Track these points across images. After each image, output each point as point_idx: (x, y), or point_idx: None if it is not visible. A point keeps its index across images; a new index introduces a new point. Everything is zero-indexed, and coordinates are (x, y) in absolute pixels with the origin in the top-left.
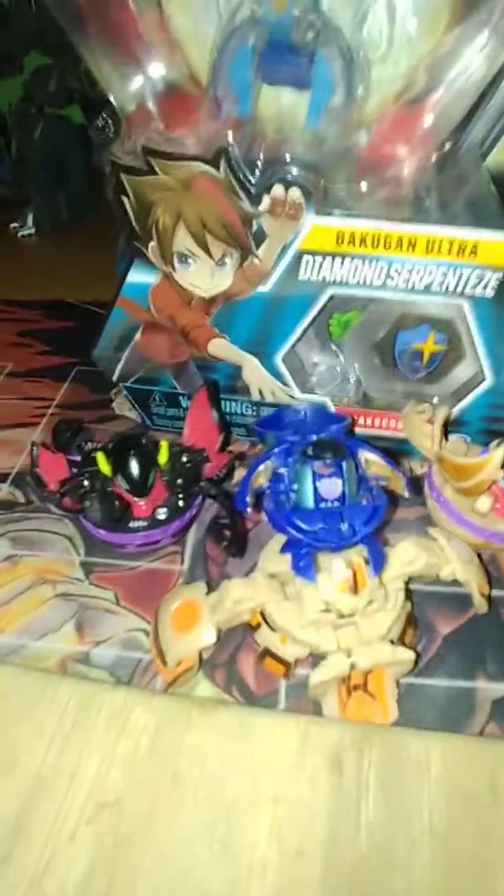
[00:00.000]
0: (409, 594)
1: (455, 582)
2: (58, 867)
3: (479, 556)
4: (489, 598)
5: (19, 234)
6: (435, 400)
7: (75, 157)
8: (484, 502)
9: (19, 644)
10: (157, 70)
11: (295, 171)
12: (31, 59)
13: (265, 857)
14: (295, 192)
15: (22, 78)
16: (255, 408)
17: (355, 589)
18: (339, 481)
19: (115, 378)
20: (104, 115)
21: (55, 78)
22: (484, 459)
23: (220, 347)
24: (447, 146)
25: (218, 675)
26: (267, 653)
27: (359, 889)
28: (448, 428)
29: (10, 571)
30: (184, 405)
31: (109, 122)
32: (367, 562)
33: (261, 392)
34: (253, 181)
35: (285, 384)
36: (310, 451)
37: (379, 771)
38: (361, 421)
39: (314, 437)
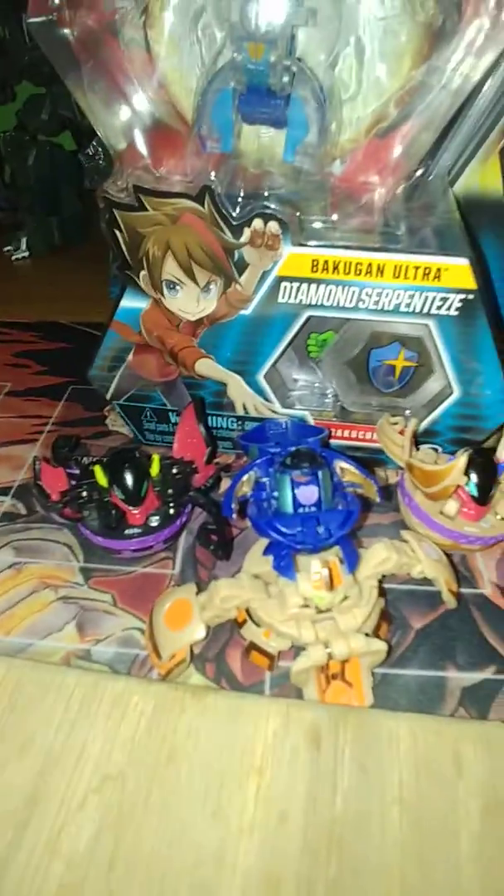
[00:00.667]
0: (383, 591)
1: (426, 580)
2: (70, 831)
3: (449, 556)
4: (458, 595)
5: (13, 258)
6: (407, 412)
7: (67, 182)
8: (451, 506)
9: (26, 643)
10: (145, 108)
11: (273, 204)
12: (24, 89)
13: (252, 820)
14: (273, 225)
15: (15, 106)
16: (239, 422)
17: (331, 586)
18: (316, 488)
19: (108, 396)
20: (94, 143)
21: (48, 107)
22: (449, 466)
23: (207, 367)
24: (416, 175)
25: (208, 667)
26: (252, 646)
27: (336, 847)
28: (421, 438)
29: (14, 578)
30: (173, 421)
31: (99, 149)
32: (341, 561)
33: (245, 407)
34: (234, 215)
35: (267, 400)
36: (288, 462)
37: (353, 746)
38: (339, 433)
39: (293, 449)
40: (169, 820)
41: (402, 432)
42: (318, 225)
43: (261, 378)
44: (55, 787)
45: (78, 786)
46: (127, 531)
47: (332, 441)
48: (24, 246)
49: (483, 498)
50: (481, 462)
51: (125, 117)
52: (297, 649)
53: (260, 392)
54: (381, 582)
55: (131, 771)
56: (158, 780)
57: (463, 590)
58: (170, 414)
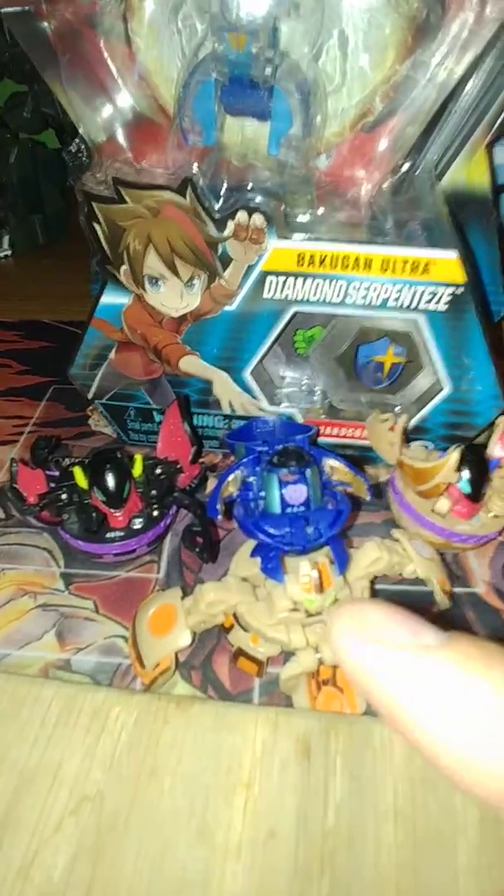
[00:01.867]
0: (374, 592)
1: (419, 580)
2: (44, 857)
3: (441, 555)
4: (451, 595)
5: None
6: (397, 409)
7: (50, 181)
8: (443, 504)
9: (2, 654)
10: (125, 101)
11: (257, 197)
12: (6, 86)
13: (240, 838)
14: (257, 218)
15: None
16: (226, 421)
17: (321, 588)
18: (304, 487)
19: (90, 395)
20: (77, 141)
21: (30, 104)
22: (440, 463)
23: (192, 364)
24: (403, 169)
25: (194, 675)
26: (240, 652)
27: (329, 864)
28: (411, 435)
29: None
30: (158, 420)
31: (83, 146)
32: (331, 562)
33: (231, 405)
34: (217, 208)
35: (254, 397)
36: (275, 460)
37: (345, 756)
38: (328, 431)
39: (280, 447)
40: (151, 841)
41: (392, 429)
42: (303, 218)
43: (247, 375)
44: (29, 810)
45: (53, 807)
46: (108, 534)
47: (322, 439)
48: (6, 244)
49: (475, 495)
50: (473, 459)
51: (105, 110)
52: (286, 655)
53: (246, 389)
54: (372, 583)
55: (111, 789)
56: (140, 798)
57: (455, 589)
58: (154, 413)
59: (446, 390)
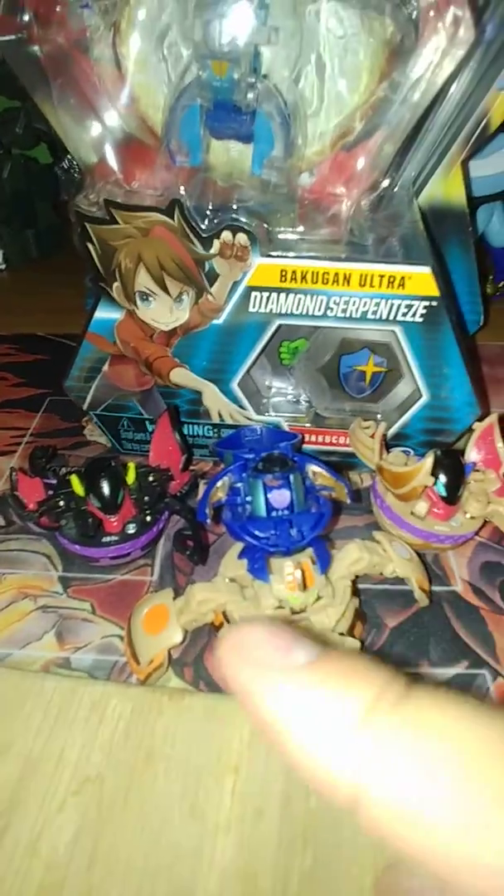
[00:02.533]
0: (356, 591)
1: (399, 580)
2: (49, 833)
3: (421, 555)
4: (430, 593)
5: None
6: (379, 416)
7: (43, 195)
8: (421, 507)
9: (4, 653)
10: (115, 123)
11: (242, 217)
12: None
13: (229, 817)
14: (242, 237)
15: None
16: (215, 430)
17: (304, 586)
18: (288, 492)
19: (85, 406)
20: (69, 157)
21: (22, 120)
22: (416, 467)
23: (181, 376)
24: (383, 186)
25: (187, 671)
26: None
27: (311, 840)
28: (394, 442)
29: None
30: (150, 429)
31: (74, 162)
32: (314, 562)
33: (220, 415)
34: (204, 227)
35: (242, 407)
36: (260, 466)
37: None
38: (313, 438)
39: (265, 454)
40: (147, 819)
41: (372, 436)
42: (286, 236)
43: (235, 386)
44: (35, 791)
45: (57, 789)
46: (104, 539)
47: (307, 446)
48: (0, 259)
49: (451, 497)
50: (448, 463)
51: (96, 132)
52: None
53: (234, 400)
54: (354, 582)
55: (110, 773)
56: (136, 781)
57: (435, 587)
58: (147, 423)
59: (425, 398)
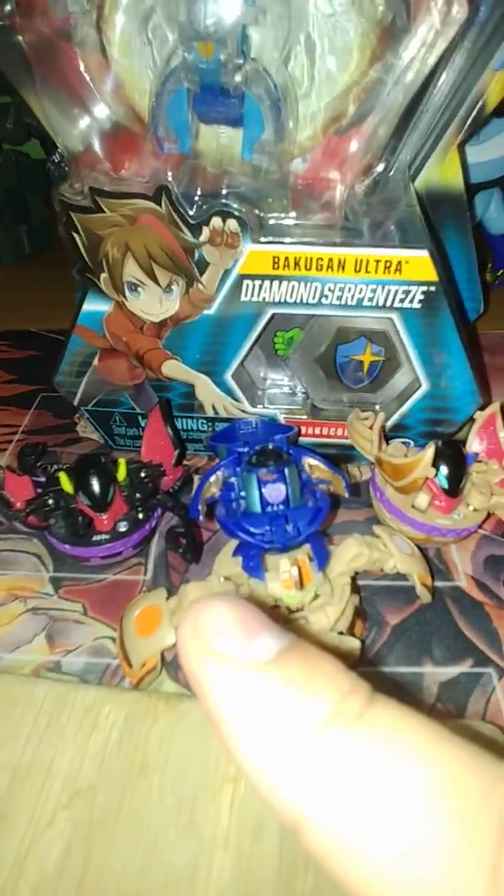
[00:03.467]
0: (356, 588)
1: (402, 576)
2: (38, 850)
3: (425, 549)
4: (433, 589)
5: None
6: (377, 407)
7: (35, 191)
8: (422, 499)
9: None
10: (102, 112)
11: (231, 203)
12: None
13: (227, 833)
14: (232, 223)
15: None
16: (210, 423)
17: (301, 584)
18: (283, 486)
19: (76, 402)
20: (60, 151)
21: (12, 115)
22: (416, 458)
23: (173, 368)
24: (378, 170)
25: (181, 674)
26: None
27: (314, 860)
28: (394, 433)
29: None
30: (143, 425)
31: (65, 156)
32: (311, 559)
33: (214, 408)
34: (192, 214)
35: (236, 400)
36: (254, 460)
37: None
38: (311, 431)
39: (258, 447)
40: (140, 835)
41: (372, 427)
42: (279, 222)
43: (228, 378)
44: (23, 805)
45: (46, 803)
46: (95, 538)
47: (304, 439)
48: None
49: (453, 489)
50: (450, 454)
51: (82, 121)
52: None
53: (228, 392)
54: (354, 579)
55: (102, 785)
56: (130, 794)
57: (438, 583)
58: (139, 417)
59: (424, 387)
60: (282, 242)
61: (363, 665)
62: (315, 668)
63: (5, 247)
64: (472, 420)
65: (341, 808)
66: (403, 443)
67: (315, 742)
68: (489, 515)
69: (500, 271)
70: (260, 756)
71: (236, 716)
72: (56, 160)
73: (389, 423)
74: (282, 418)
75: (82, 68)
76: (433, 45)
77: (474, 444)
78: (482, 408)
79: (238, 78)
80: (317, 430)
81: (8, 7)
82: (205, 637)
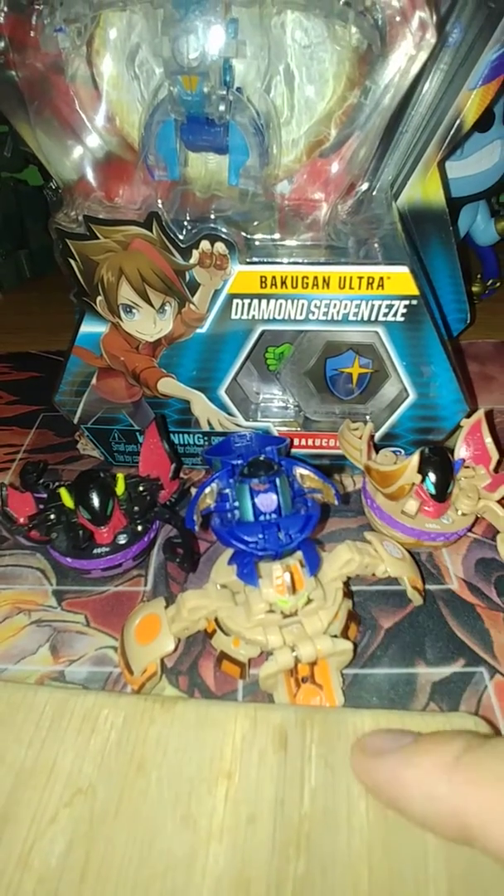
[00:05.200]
0: (349, 593)
1: (394, 580)
2: (42, 845)
3: (416, 554)
4: (425, 592)
5: None
6: (368, 417)
7: (34, 216)
8: (411, 505)
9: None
10: (94, 142)
11: (219, 226)
12: None
13: (222, 824)
14: (220, 246)
15: None
16: (206, 438)
17: (293, 589)
18: (274, 495)
19: (76, 420)
20: (54, 181)
21: (10, 144)
22: (402, 465)
23: (169, 386)
24: (362, 190)
25: (181, 680)
26: (223, 656)
27: (305, 846)
28: (385, 442)
29: None
30: (141, 441)
31: (60, 185)
32: (302, 565)
33: (210, 423)
34: (182, 238)
35: (231, 414)
36: (246, 471)
37: (320, 744)
38: (303, 442)
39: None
40: (139, 828)
41: (360, 437)
42: (265, 243)
43: (222, 393)
44: (26, 804)
45: (49, 801)
46: (95, 550)
47: (298, 450)
48: None
49: (441, 495)
50: (436, 460)
51: (75, 151)
52: (267, 656)
53: (223, 407)
54: (346, 584)
55: (102, 783)
56: (128, 791)
57: (430, 586)
58: (137, 434)
59: (412, 397)
60: (268, 262)
61: (358, 667)
62: (441, 734)
63: (6, 272)
64: (459, 427)
65: (493, 812)
66: (394, 451)
67: (461, 766)
68: (480, 520)
69: (490, 281)
70: (415, 791)
71: (392, 775)
72: (53, 186)
73: (380, 433)
74: (275, 431)
75: (75, 101)
76: (408, 70)
77: (462, 451)
78: (469, 415)
79: (222, 108)
80: (310, 442)
81: (2, 44)
82: (370, 746)
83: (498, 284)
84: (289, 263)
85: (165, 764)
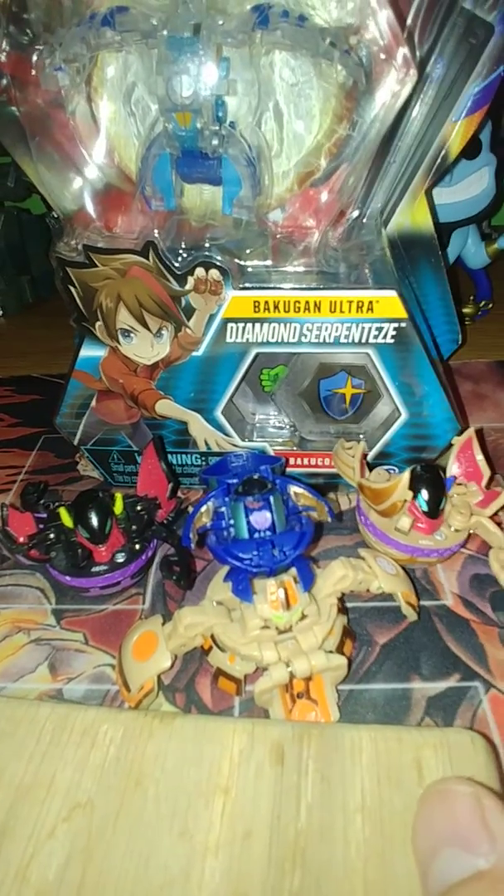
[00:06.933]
0: (344, 609)
1: (389, 597)
2: (40, 859)
3: (411, 570)
4: (419, 607)
5: None
6: (361, 436)
7: (36, 243)
8: (404, 522)
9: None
10: (94, 173)
11: (214, 253)
12: None
13: (218, 838)
14: (214, 272)
15: None
16: (203, 458)
17: (287, 605)
18: (268, 513)
19: (76, 441)
20: (54, 213)
21: (13, 174)
22: (394, 483)
23: (166, 407)
24: (353, 218)
25: (178, 697)
26: (219, 672)
27: (300, 860)
28: (379, 461)
29: None
30: (140, 461)
31: (60, 216)
32: (296, 581)
33: (207, 443)
34: (178, 265)
35: (227, 434)
36: (240, 490)
37: (316, 759)
38: (299, 462)
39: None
40: (137, 843)
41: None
42: (259, 269)
43: (219, 414)
44: (25, 818)
45: (48, 815)
46: (94, 569)
47: (293, 469)
48: None
49: (433, 511)
50: (428, 477)
51: (75, 184)
52: (263, 672)
53: (219, 427)
54: (341, 600)
55: (100, 797)
56: (126, 805)
57: (425, 602)
58: (136, 454)
59: (404, 416)
60: (261, 288)
61: (354, 682)
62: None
63: (8, 297)
64: (451, 445)
65: None
66: (388, 469)
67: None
68: (474, 537)
69: (482, 302)
70: None
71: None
72: (55, 215)
73: (374, 452)
74: (271, 451)
75: (75, 136)
76: (393, 104)
77: (454, 468)
78: (460, 433)
79: (215, 142)
80: (305, 461)
81: (4, 81)
82: (446, 829)
83: (490, 305)
84: (281, 289)
85: (163, 779)
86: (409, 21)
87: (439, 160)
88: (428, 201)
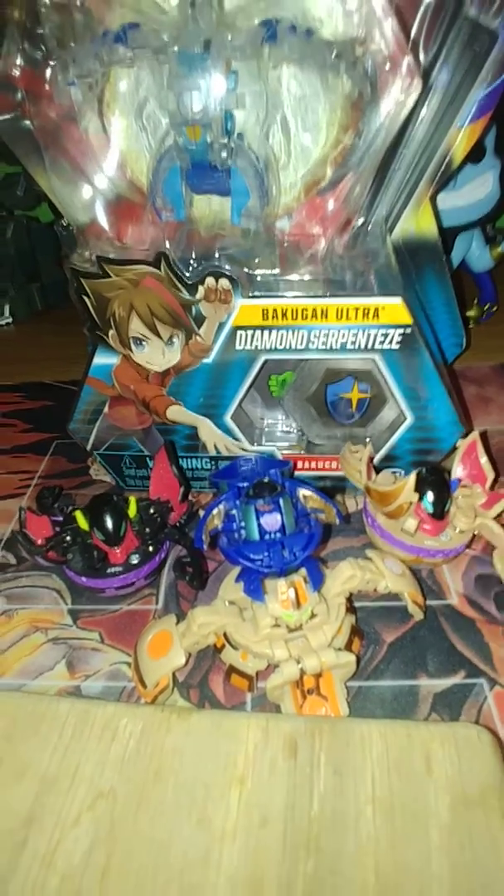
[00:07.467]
0: (352, 608)
1: (396, 596)
2: (65, 846)
3: (417, 570)
4: (426, 607)
5: None
6: (368, 440)
7: (46, 251)
8: (410, 523)
9: (19, 684)
10: (106, 186)
11: (223, 263)
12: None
13: (235, 826)
14: (224, 282)
15: None
16: (213, 462)
17: (297, 604)
18: (278, 515)
19: (89, 447)
20: (67, 223)
21: (23, 184)
22: (400, 485)
23: (177, 413)
24: (358, 225)
25: (192, 693)
26: (232, 669)
27: (314, 847)
28: (385, 464)
29: (5, 624)
30: (151, 465)
31: (73, 228)
32: (306, 580)
33: (216, 448)
34: (189, 275)
35: (236, 439)
36: (251, 493)
37: (329, 752)
38: (307, 465)
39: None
40: (157, 830)
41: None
42: (267, 278)
43: (228, 419)
44: (51, 808)
45: (72, 805)
46: (109, 570)
47: (301, 472)
48: (7, 313)
49: (438, 513)
50: (433, 479)
51: (87, 195)
52: (274, 669)
53: (229, 432)
54: (349, 599)
55: (122, 788)
56: (147, 795)
57: (431, 601)
58: (147, 459)
59: (409, 420)
60: (270, 296)
61: (363, 679)
62: None
63: (19, 304)
64: (456, 448)
65: None
66: (394, 472)
67: None
68: (479, 538)
69: (487, 305)
70: None
71: None
72: (64, 223)
73: (381, 455)
74: (280, 454)
75: (88, 149)
76: (398, 113)
77: (458, 470)
78: (465, 436)
79: (224, 155)
80: (313, 464)
81: (18, 95)
82: None
83: (495, 308)
84: (289, 297)
85: (182, 770)
86: (413, 30)
87: (444, 167)
88: (432, 207)
